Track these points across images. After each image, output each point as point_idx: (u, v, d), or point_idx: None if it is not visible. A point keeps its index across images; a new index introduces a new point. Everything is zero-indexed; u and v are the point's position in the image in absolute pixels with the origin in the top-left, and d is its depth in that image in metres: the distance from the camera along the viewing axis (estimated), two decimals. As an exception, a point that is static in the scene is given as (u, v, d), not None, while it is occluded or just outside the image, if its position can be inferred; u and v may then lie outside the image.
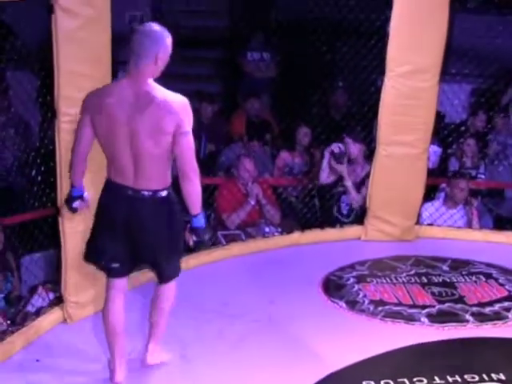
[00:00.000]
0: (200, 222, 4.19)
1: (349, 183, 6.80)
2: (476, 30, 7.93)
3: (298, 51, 7.78)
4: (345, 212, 6.90)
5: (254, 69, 9.22)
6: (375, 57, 6.77)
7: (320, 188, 7.06)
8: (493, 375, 4.63)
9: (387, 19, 6.25)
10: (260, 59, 9.21)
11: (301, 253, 6.43)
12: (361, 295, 5.66)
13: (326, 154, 6.88)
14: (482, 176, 7.62)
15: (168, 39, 4.01)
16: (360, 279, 5.93)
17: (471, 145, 7.55)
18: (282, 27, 7.75)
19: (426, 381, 4.53)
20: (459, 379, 4.57)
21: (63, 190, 4.81)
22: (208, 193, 6.87)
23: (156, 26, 4.02)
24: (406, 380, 4.53)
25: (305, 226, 6.88)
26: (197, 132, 7.86)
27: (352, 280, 5.91)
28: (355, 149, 6.82)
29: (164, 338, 4.62)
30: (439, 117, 7.15)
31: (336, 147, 6.85)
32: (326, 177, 6.96)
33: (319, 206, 7.11)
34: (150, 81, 4.06)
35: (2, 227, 5.76)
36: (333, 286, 5.81)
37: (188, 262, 5.94)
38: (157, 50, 3.98)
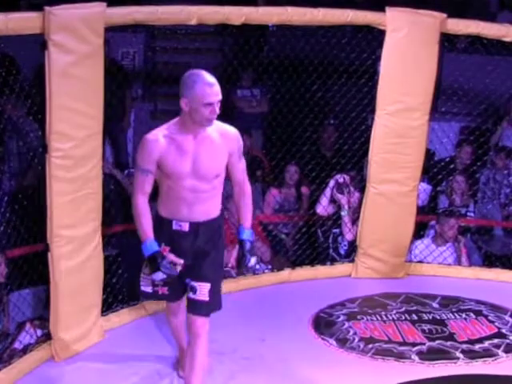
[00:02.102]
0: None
1: (345, 213, 6.82)
2: (465, 70, 8.00)
3: (290, 88, 7.82)
4: (342, 252, 6.90)
5: (245, 105, 9.27)
6: (366, 95, 6.82)
7: (315, 224, 7.08)
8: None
9: (378, 58, 6.32)
10: (251, 95, 9.26)
11: (291, 290, 6.41)
12: (351, 333, 5.64)
13: (331, 184, 6.91)
14: (472, 214, 7.65)
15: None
16: (350, 317, 5.91)
17: (460, 182, 7.59)
18: (274, 64, 7.80)
19: (418, 420, 4.54)
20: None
21: (53, 225, 4.81)
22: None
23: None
24: (396, 418, 4.54)
25: (295, 263, 6.88)
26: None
27: (342, 317, 5.90)
28: (355, 197, 6.85)
29: (152, 375, 4.59)
30: (429, 154, 7.18)
31: (341, 177, 6.89)
32: (323, 209, 6.98)
33: (313, 243, 7.11)
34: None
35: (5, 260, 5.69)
36: (323, 324, 5.79)
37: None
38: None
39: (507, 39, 6.23)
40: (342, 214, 6.85)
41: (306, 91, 7.35)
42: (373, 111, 6.39)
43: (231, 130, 4.42)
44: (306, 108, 7.61)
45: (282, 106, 7.80)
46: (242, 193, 4.51)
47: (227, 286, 6.26)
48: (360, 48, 6.98)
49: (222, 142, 4.31)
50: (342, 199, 6.85)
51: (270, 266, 6.79)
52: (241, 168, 4.47)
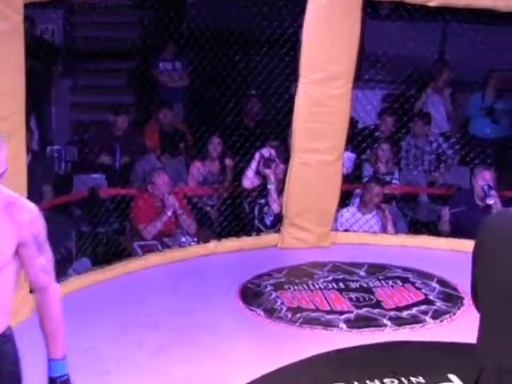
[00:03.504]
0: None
1: (272, 186, 6.78)
2: (389, 37, 8.01)
3: (211, 60, 7.72)
4: (268, 223, 6.87)
5: (167, 79, 9.16)
6: (289, 64, 6.77)
7: (240, 195, 7.03)
8: (412, 379, 4.67)
9: (300, 26, 6.26)
10: (172, 69, 9.15)
11: (218, 262, 6.37)
12: (278, 303, 5.63)
13: (256, 157, 6.86)
14: (397, 181, 7.69)
15: None
16: (277, 287, 5.89)
17: (385, 150, 7.61)
18: (195, 36, 7.68)
19: (345, 386, 4.54)
20: (379, 383, 4.57)
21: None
22: (124, 204, 6.81)
23: None
24: (324, 386, 4.53)
25: (221, 235, 6.83)
26: (111, 144, 7.84)
27: (269, 288, 5.88)
28: (280, 169, 6.80)
29: (83, 350, 4.51)
30: (353, 123, 7.18)
31: (267, 152, 6.84)
32: (249, 181, 6.93)
33: (238, 214, 7.06)
34: None
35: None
36: (250, 294, 5.76)
37: (105, 274, 5.86)
38: None
39: (432, 4, 6.22)
40: (269, 187, 6.80)
41: (227, 62, 7.28)
42: (296, 80, 6.34)
43: (25, 210, 2.91)
44: (228, 79, 7.53)
45: (204, 78, 7.72)
46: (44, 305, 3.03)
47: (153, 259, 6.22)
48: (282, 16, 6.92)
49: (7, 223, 2.85)
50: (269, 173, 6.80)
51: (195, 239, 6.72)
52: (41, 266, 2.98)
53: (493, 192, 6.62)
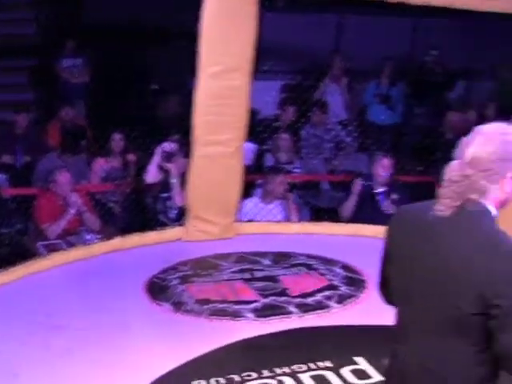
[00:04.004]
0: None
1: (175, 180, 6.78)
2: (285, 28, 8.09)
3: (111, 55, 7.65)
4: (172, 216, 6.86)
5: (68, 75, 9.03)
6: (188, 58, 6.76)
7: (143, 190, 7.00)
8: (319, 363, 4.75)
9: (198, 20, 6.26)
10: (73, 65, 9.03)
11: (123, 258, 6.33)
12: (185, 296, 5.64)
13: (158, 152, 6.84)
14: (298, 170, 7.79)
15: None
16: (184, 280, 5.90)
17: (285, 139, 7.70)
18: (94, 31, 7.60)
19: (254, 375, 4.58)
20: (288, 370, 4.66)
21: None
22: (27, 204, 6.74)
23: None
24: (235, 376, 4.56)
25: (126, 230, 6.79)
26: (12, 143, 7.69)
27: (176, 281, 5.88)
28: (182, 162, 6.80)
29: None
30: (252, 114, 7.24)
31: (168, 146, 6.83)
32: (152, 176, 6.90)
33: (142, 209, 7.04)
34: None
35: None
36: (157, 289, 5.75)
37: (9, 275, 5.76)
38: None
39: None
40: (172, 181, 6.80)
41: (127, 57, 7.23)
42: (195, 74, 6.35)
43: None
44: (128, 75, 7.49)
45: (105, 73, 7.65)
46: None
47: (58, 258, 6.14)
48: (180, 10, 6.91)
49: None
50: (171, 167, 6.80)
51: (100, 236, 6.67)
52: None
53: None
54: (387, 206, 6.92)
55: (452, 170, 2.58)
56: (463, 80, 9.27)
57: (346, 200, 7.20)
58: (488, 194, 2.55)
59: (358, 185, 7.09)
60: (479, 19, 7.20)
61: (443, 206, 2.57)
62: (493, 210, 2.59)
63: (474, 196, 2.54)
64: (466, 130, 7.65)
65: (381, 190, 7.01)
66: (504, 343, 2.46)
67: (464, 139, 2.61)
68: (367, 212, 7.04)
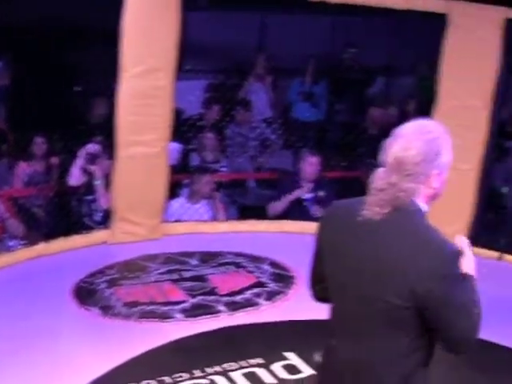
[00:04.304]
0: None
1: (99, 182, 6.70)
2: (208, 27, 8.07)
3: (32, 57, 7.51)
4: (98, 219, 6.78)
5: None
6: (111, 58, 6.69)
7: (67, 194, 6.90)
8: (251, 361, 4.79)
9: (119, 20, 6.20)
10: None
11: (48, 263, 6.22)
12: (114, 299, 5.59)
13: (81, 154, 6.74)
14: (224, 169, 7.78)
15: None
16: (111, 283, 5.85)
17: (210, 138, 7.68)
18: (14, 33, 7.44)
19: (186, 376, 4.59)
20: (219, 369, 4.68)
21: None
22: None
23: None
24: (166, 378, 4.56)
25: (50, 235, 6.69)
26: None
27: (103, 285, 5.82)
28: (107, 164, 6.72)
29: None
30: (177, 114, 7.20)
31: (91, 147, 6.74)
32: (76, 179, 6.81)
33: (67, 213, 6.93)
34: None
35: None
36: (84, 293, 5.69)
37: None
38: None
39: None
40: (96, 183, 6.73)
41: (49, 59, 7.11)
42: (118, 74, 6.29)
43: None
44: (50, 76, 7.37)
45: (25, 76, 7.51)
46: None
47: (-19, 267, 6.02)
48: (102, 9, 6.82)
49: None
50: (95, 169, 6.72)
51: (24, 242, 6.54)
52: None
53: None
54: (315, 211, 6.98)
55: (378, 178, 2.60)
56: (383, 76, 9.39)
57: (275, 199, 7.23)
58: (417, 193, 2.58)
59: (298, 192, 7.14)
60: (399, 17, 7.30)
61: (371, 212, 2.59)
62: (424, 207, 2.63)
63: (401, 199, 2.56)
64: (387, 125, 7.80)
65: (309, 196, 7.09)
66: (460, 328, 2.54)
67: (387, 142, 2.62)
68: (295, 214, 7.10)
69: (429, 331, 2.59)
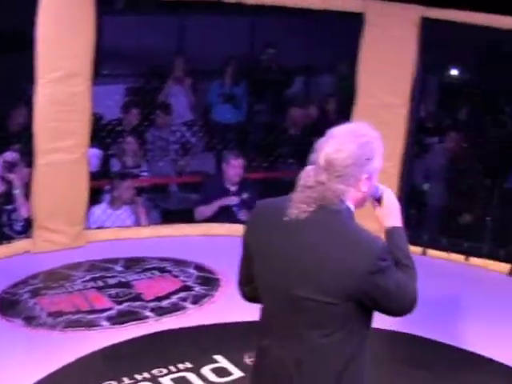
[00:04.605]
0: None
1: (18, 191, 6.55)
2: (126, 31, 8.00)
3: None
4: (19, 229, 6.63)
5: None
6: (28, 64, 6.56)
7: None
8: (180, 365, 4.76)
9: (34, 24, 6.08)
10: None
11: (-32, 275, 6.07)
12: (37, 309, 5.47)
13: None
14: (145, 173, 7.72)
15: None
16: (35, 293, 5.72)
17: (130, 143, 7.60)
18: None
19: (115, 383, 4.50)
20: (148, 375, 4.63)
21: None
22: None
23: None
24: (94, 387, 4.48)
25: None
26: None
27: (26, 295, 5.69)
28: (25, 172, 6.57)
29: None
30: (96, 119, 7.11)
31: (8, 156, 6.58)
32: None
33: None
34: None
35: None
36: (7, 304, 5.55)
37: None
38: None
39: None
40: (15, 192, 6.58)
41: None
42: (34, 81, 6.17)
43: None
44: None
45: None
46: None
47: None
48: (16, 15, 6.69)
49: None
50: (13, 178, 6.57)
51: None
52: None
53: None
54: (242, 214, 6.98)
55: (306, 175, 2.60)
56: (302, 76, 9.46)
57: (200, 203, 7.19)
58: (345, 195, 2.59)
59: (227, 200, 7.12)
60: (318, 17, 7.36)
61: (297, 210, 2.59)
62: (352, 208, 2.64)
63: (328, 199, 2.57)
64: (308, 125, 7.84)
65: (235, 201, 7.09)
66: (400, 305, 2.64)
67: (318, 143, 2.62)
68: (222, 218, 7.09)
69: (360, 325, 2.63)
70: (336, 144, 2.57)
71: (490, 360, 5.17)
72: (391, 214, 2.79)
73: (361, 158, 2.57)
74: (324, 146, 2.59)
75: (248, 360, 4.74)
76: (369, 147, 2.60)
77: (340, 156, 2.55)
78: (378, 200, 2.80)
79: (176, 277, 6.06)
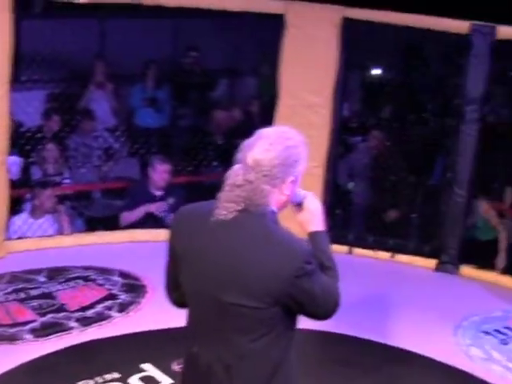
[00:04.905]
0: None
1: None
2: (44, 36, 7.84)
3: None
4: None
5: None
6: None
7: None
8: (107, 376, 4.68)
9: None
10: None
11: None
12: (-42, 323, 5.30)
13: None
14: (68, 181, 7.56)
15: None
16: (-45, 308, 5.55)
17: (50, 150, 7.42)
18: None
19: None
20: (74, 388, 4.50)
21: None
22: None
23: None
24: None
25: None
26: None
27: None
28: None
29: None
30: (15, 126, 6.93)
31: None
32: None
33: None
34: None
35: None
36: None
37: None
38: None
39: (77, 1, 6.19)
40: None
41: None
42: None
43: None
44: None
45: None
46: None
47: None
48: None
49: None
50: None
51: None
52: None
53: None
54: (169, 219, 6.90)
55: (235, 174, 2.59)
56: (226, 79, 9.43)
57: (126, 209, 7.08)
58: (270, 197, 2.59)
59: (153, 207, 7.02)
60: (240, 19, 7.33)
61: (225, 210, 2.58)
62: (275, 211, 2.65)
63: (255, 199, 2.57)
64: (232, 127, 7.79)
65: (162, 208, 7.02)
66: (325, 308, 2.66)
67: (246, 142, 2.63)
68: (148, 223, 7.01)
69: (286, 328, 2.64)
70: (265, 144, 2.58)
71: (417, 355, 5.24)
72: (314, 218, 2.79)
73: (288, 160, 2.59)
74: (252, 145, 2.60)
75: (177, 367, 4.69)
76: (296, 150, 2.63)
77: (268, 156, 2.57)
78: (299, 205, 2.81)
79: (101, 285, 5.95)
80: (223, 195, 2.59)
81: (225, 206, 2.58)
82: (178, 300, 2.82)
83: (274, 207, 2.63)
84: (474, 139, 6.64)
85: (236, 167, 2.61)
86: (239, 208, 2.56)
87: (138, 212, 7.00)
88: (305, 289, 2.55)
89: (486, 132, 6.80)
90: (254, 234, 2.57)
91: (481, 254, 6.94)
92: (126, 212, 7.05)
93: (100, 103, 8.41)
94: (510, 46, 6.42)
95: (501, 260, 6.85)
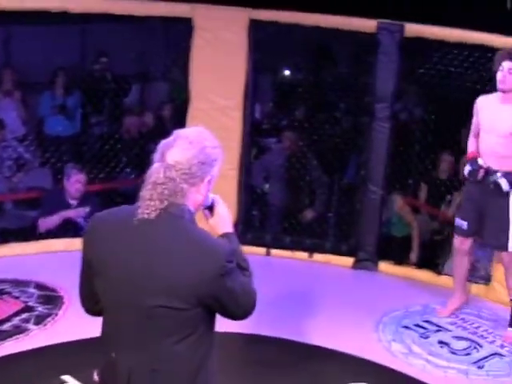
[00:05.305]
0: None
1: None
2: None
3: None
4: None
5: None
6: None
7: None
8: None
9: None
10: None
11: None
12: None
13: None
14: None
15: None
16: None
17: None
18: None
19: None
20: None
21: None
22: None
23: None
24: None
25: None
26: None
27: None
28: None
29: None
30: None
31: None
32: None
33: None
34: None
35: None
36: None
37: None
38: None
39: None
40: None
41: None
42: None
43: None
44: None
45: None
46: None
47: None
48: None
49: None
50: None
51: None
52: None
53: None
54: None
55: (156, 172, 2.59)
56: (137, 84, 9.35)
57: (43, 216, 6.96)
58: (188, 196, 2.61)
59: (71, 213, 6.91)
60: (149, 24, 7.28)
61: (148, 208, 2.57)
62: (193, 211, 2.66)
63: (176, 198, 2.58)
64: (144, 132, 7.72)
65: (80, 213, 6.91)
66: (244, 307, 2.70)
67: (164, 142, 2.64)
68: (66, 232, 6.89)
69: (208, 329, 2.66)
70: (184, 143, 2.61)
71: (338, 352, 5.30)
72: (224, 221, 2.85)
73: (208, 159, 2.63)
74: (171, 145, 2.62)
75: (97, 377, 4.60)
76: (214, 151, 2.67)
77: (188, 155, 2.59)
78: (209, 209, 2.84)
79: (16, 298, 5.81)
80: (145, 193, 2.59)
81: (147, 205, 2.58)
82: (94, 309, 2.79)
83: (191, 207, 2.64)
84: (387, 137, 6.74)
85: (156, 166, 2.61)
86: (161, 206, 2.56)
87: (57, 218, 6.88)
88: (227, 287, 2.57)
89: (398, 129, 6.92)
90: (175, 235, 2.57)
91: (397, 249, 7.06)
92: (44, 218, 6.92)
93: (8, 112, 8.22)
94: (418, 44, 6.52)
95: (414, 255, 6.98)
